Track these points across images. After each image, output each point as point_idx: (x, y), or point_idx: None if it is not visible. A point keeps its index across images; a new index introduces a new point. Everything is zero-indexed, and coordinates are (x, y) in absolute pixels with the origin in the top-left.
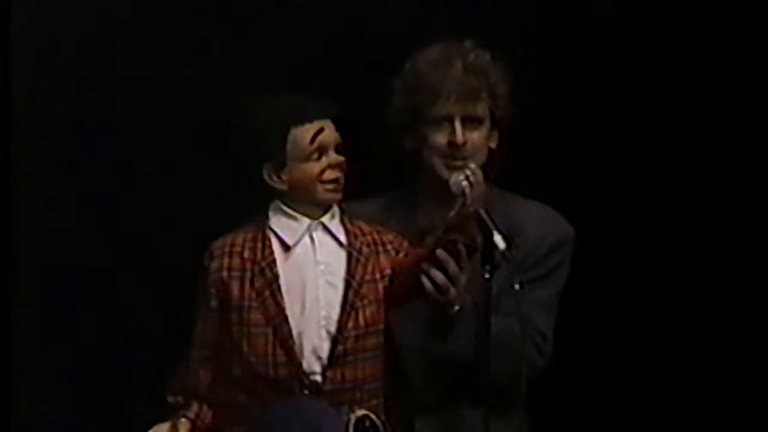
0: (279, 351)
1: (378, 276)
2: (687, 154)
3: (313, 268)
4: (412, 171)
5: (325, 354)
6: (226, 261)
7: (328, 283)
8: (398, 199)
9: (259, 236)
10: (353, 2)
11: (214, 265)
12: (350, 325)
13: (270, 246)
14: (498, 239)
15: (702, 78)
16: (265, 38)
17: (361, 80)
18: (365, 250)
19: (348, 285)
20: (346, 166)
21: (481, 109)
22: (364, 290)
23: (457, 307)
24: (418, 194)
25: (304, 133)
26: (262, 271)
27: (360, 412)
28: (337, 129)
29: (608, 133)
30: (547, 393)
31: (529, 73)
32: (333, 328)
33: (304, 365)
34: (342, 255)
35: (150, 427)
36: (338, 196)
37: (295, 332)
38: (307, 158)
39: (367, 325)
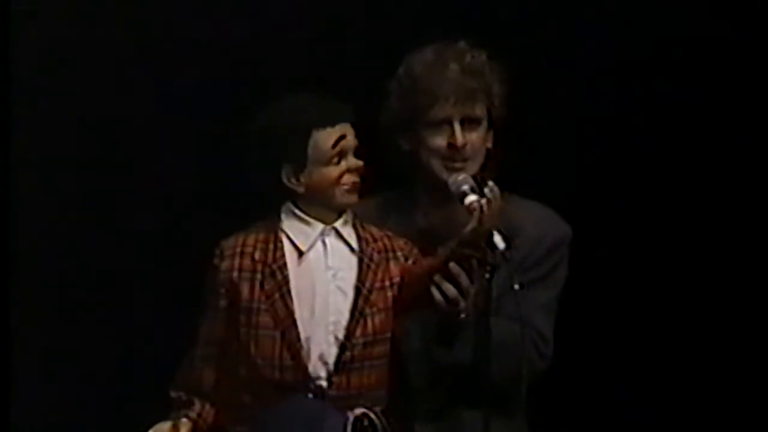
0: (286, 354)
1: (387, 283)
2: (685, 154)
3: (324, 273)
4: (410, 172)
5: (332, 360)
6: (236, 261)
7: (339, 288)
8: (396, 199)
9: (271, 238)
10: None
11: (225, 264)
12: (359, 332)
13: (281, 248)
14: (498, 239)
15: (701, 77)
16: (265, 39)
17: (358, 81)
18: (376, 256)
19: (358, 292)
20: (363, 170)
21: (479, 110)
22: (373, 297)
23: (463, 315)
24: (416, 195)
25: (326, 136)
26: (272, 274)
27: (359, 411)
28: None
29: (606, 133)
30: (546, 393)
31: (524, 72)
32: (341, 335)
33: (311, 370)
34: (353, 261)
35: (151, 426)
36: (355, 200)
37: (302, 336)
38: (327, 162)
39: (375, 332)
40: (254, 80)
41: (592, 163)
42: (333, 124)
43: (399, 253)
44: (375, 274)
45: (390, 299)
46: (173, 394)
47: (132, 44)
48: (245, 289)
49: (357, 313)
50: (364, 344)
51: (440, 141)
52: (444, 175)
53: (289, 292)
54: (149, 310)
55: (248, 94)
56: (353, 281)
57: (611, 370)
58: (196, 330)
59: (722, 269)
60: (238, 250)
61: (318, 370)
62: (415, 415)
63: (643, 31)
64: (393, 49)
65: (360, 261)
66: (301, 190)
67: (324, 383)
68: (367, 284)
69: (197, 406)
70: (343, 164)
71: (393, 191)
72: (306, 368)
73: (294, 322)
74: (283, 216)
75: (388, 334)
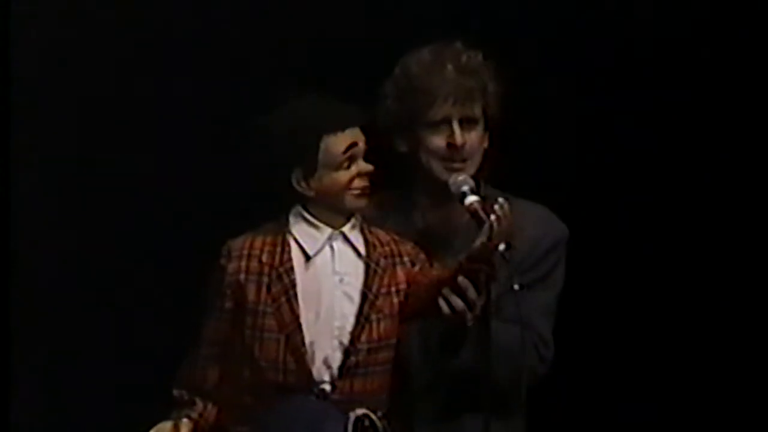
0: (290, 358)
1: (393, 289)
2: (683, 154)
3: (330, 277)
4: (408, 173)
5: (336, 365)
6: (244, 263)
7: (345, 294)
8: (395, 199)
9: (279, 241)
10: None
11: (232, 266)
12: (364, 337)
13: (289, 252)
14: None
15: (699, 78)
16: (266, 37)
17: (357, 81)
18: (383, 261)
19: (364, 297)
20: (373, 174)
21: (477, 110)
22: (379, 303)
23: (469, 323)
24: (414, 195)
25: (337, 141)
26: (279, 277)
27: (360, 411)
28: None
29: (602, 133)
30: (544, 394)
31: (522, 72)
32: (346, 340)
33: (314, 374)
34: (360, 266)
35: (152, 425)
36: (364, 204)
37: (307, 341)
38: (338, 167)
39: (380, 338)
40: (254, 80)
41: (588, 162)
42: (344, 129)
43: (406, 258)
44: (381, 279)
45: (396, 305)
46: (175, 392)
47: (132, 44)
48: (251, 292)
49: (362, 318)
50: (369, 350)
51: (439, 141)
52: (444, 175)
53: (295, 295)
54: (150, 310)
55: (248, 94)
56: (359, 286)
57: (608, 370)
58: (199, 329)
59: (721, 269)
60: (246, 252)
61: (322, 374)
62: (415, 418)
63: (640, 31)
64: (393, 49)
65: (367, 266)
66: (310, 193)
67: (327, 387)
68: (374, 289)
69: (199, 405)
70: (354, 168)
71: (391, 192)
72: (309, 372)
73: (299, 326)
74: (291, 219)
75: (393, 340)
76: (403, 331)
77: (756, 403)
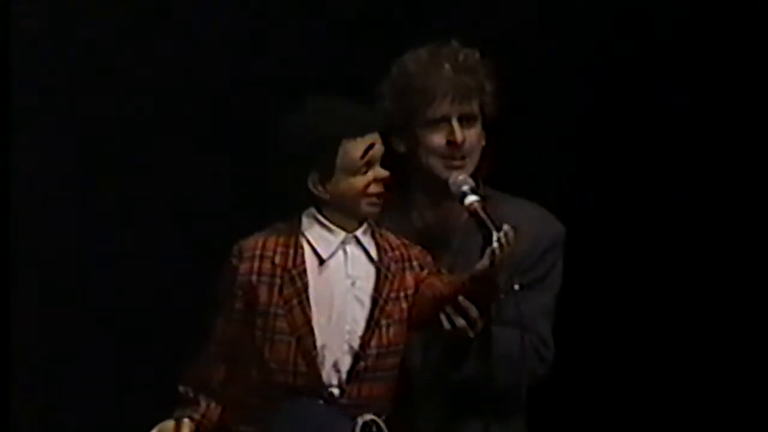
0: (300, 361)
1: (402, 294)
2: (681, 153)
3: (343, 281)
4: (406, 173)
5: (345, 369)
6: (256, 264)
7: (356, 298)
8: (393, 200)
9: (292, 242)
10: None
11: (244, 267)
12: (373, 342)
13: (302, 254)
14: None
15: (699, 76)
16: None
17: (356, 82)
18: (393, 266)
19: (375, 302)
20: (389, 180)
21: (475, 107)
22: (389, 308)
23: (472, 335)
24: (413, 195)
25: (356, 146)
26: (292, 279)
27: (367, 417)
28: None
29: (600, 132)
30: (544, 394)
31: (520, 72)
32: (356, 344)
33: (324, 377)
34: (371, 270)
35: (153, 425)
36: (378, 210)
37: (318, 344)
38: (355, 172)
39: (389, 343)
40: (254, 80)
41: (586, 162)
42: (363, 134)
43: (415, 263)
44: (392, 284)
45: (405, 310)
46: (181, 388)
47: (132, 43)
48: (263, 294)
49: (373, 323)
50: (378, 355)
51: (439, 139)
52: (444, 173)
53: (307, 298)
54: (150, 310)
55: (248, 94)
56: (370, 291)
57: (608, 369)
58: (208, 327)
59: (720, 268)
60: (258, 252)
61: (331, 377)
62: (416, 419)
63: (639, 30)
64: (392, 49)
65: (378, 271)
66: (326, 197)
67: (336, 391)
68: (384, 294)
69: (202, 405)
70: (370, 174)
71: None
72: (319, 375)
73: (311, 329)
74: (304, 220)
75: (401, 346)
76: (408, 337)
77: (756, 403)
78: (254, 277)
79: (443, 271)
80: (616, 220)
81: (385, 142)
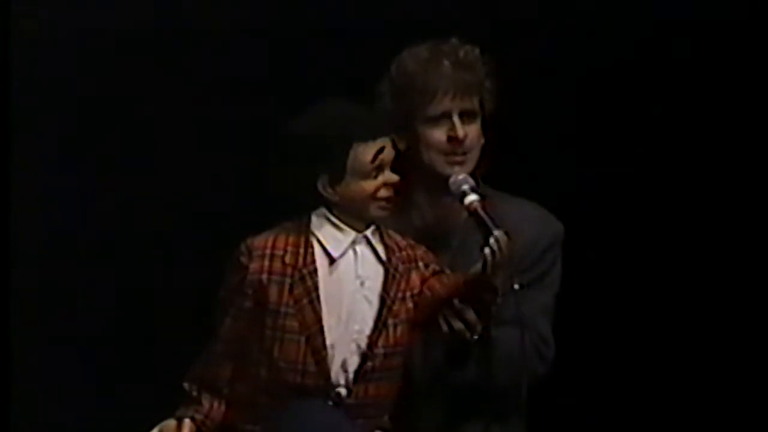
0: (310, 360)
1: (408, 294)
2: (680, 153)
3: (352, 281)
4: (406, 172)
5: (352, 368)
6: (266, 263)
7: (365, 298)
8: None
9: (302, 241)
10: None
11: (254, 266)
12: (381, 342)
13: (312, 253)
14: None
15: (699, 76)
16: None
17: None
18: (401, 266)
19: (383, 302)
20: (399, 185)
21: (476, 103)
22: (396, 308)
23: (474, 337)
24: (413, 194)
25: (367, 150)
26: (302, 279)
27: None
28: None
29: (599, 132)
30: (544, 394)
31: (519, 71)
32: (364, 344)
33: (332, 377)
34: (380, 270)
35: (155, 424)
36: (387, 213)
37: (328, 343)
38: (366, 175)
39: (396, 343)
40: (254, 80)
41: (585, 161)
42: (374, 138)
43: (420, 263)
44: (399, 284)
45: (411, 311)
46: (186, 385)
47: (132, 43)
48: (274, 292)
49: (381, 323)
50: (385, 355)
51: (440, 135)
52: (446, 169)
53: (318, 298)
54: (150, 310)
55: (248, 93)
56: (378, 291)
57: (606, 369)
58: (210, 326)
59: (720, 267)
60: (268, 251)
61: (339, 377)
62: (416, 421)
63: (639, 30)
64: (392, 49)
65: (386, 271)
66: (335, 199)
67: (343, 391)
68: (392, 294)
69: (205, 405)
70: (380, 178)
71: None
72: (328, 375)
73: (321, 328)
74: (314, 219)
75: (406, 346)
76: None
77: (756, 403)
78: (265, 276)
79: (446, 270)
80: (615, 220)
81: (395, 146)
